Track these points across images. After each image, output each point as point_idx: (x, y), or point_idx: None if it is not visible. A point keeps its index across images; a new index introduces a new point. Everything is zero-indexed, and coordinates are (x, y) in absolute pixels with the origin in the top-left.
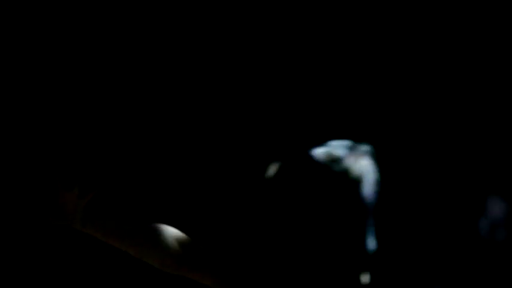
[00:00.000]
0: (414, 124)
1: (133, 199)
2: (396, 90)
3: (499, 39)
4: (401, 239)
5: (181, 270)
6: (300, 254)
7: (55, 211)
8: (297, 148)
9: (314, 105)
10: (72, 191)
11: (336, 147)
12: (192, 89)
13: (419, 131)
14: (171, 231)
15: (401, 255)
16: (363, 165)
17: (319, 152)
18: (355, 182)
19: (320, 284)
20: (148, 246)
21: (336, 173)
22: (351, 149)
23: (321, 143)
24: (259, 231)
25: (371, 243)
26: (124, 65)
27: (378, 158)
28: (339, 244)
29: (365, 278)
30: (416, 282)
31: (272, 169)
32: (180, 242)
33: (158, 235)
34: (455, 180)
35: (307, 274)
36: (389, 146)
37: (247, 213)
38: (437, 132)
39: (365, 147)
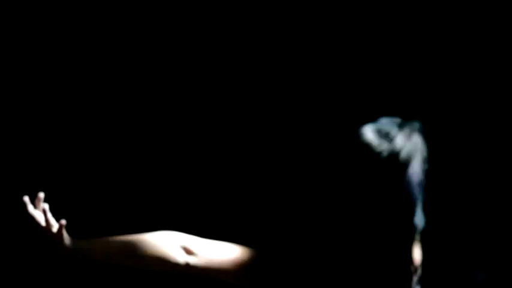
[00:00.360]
0: (464, 103)
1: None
2: (444, 70)
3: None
4: (449, 216)
5: (189, 271)
6: (350, 231)
7: (41, 240)
8: (347, 125)
9: (361, 83)
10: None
11: (386, 124)
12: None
13: (469, 110)
14: (168, 237)
15: (449, 233)
16: (414, 143)
17: (369, 128)
18: (406, 160)
19: (370, 262)
20: (146, 256)
21: (388, 150)
22: (401, 126)
23: (371, 120)
24: (311, 209)
25: (419, 220)
26: (124, 66)
27: (426, 136)
28: (388, 221)
29: (415, 255)
30: (462, 260)
31: (323, 147)
32: (181, 245)
33: (154, 244)
34: (503, 161)
35: (357, 252)
36: (437, 123)
37: (297, 194)
38: (486, 111)
39: (414, 125)
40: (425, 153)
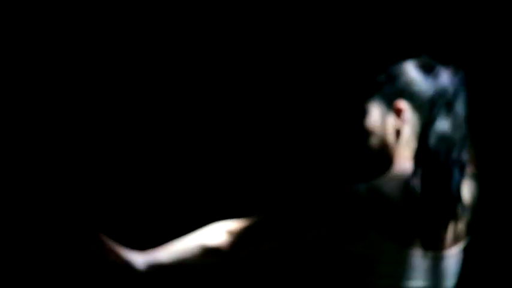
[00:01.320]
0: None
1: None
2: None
3: None
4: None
5: (236, 253)
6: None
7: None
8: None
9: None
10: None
11: (429, 60)
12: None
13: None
14: (213, 228)
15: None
16: (460, 79)
17: (412, 63)
18: (453, 96)
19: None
20: (199, 252)
21: (435, 85)
22: (443, 66)
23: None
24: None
25: (465, 156)
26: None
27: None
28: (434, 154)
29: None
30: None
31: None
32: (225, 231)
33: (204, 238)
34: None
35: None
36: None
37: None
38: None
39: (454, 68)
40: (466, 92)
